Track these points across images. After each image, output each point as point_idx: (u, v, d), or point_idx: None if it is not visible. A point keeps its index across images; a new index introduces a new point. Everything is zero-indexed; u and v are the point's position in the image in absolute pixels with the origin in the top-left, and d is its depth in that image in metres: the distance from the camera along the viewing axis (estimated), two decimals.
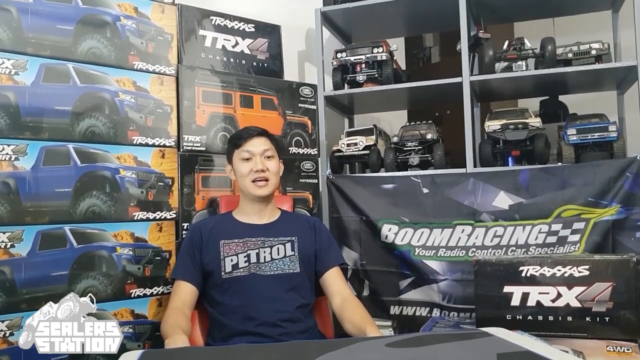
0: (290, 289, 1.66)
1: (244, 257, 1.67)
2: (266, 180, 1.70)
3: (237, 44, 2.29)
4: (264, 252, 1.68)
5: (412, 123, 2.50)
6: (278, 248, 1.70)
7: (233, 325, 1.60)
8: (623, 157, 2.04)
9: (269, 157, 1.73)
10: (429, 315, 2.18)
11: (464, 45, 2.29)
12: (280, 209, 1.85)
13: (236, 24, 2.29)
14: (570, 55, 2.21)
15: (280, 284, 1.65)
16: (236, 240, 1.69)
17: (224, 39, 2.25)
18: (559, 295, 1.60)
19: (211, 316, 1.68)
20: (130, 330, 1.82)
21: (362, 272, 2.31)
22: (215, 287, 1.66)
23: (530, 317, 1.63)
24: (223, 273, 1.64)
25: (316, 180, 2.43)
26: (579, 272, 1.59)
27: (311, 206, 2.39)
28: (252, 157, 1.71)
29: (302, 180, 2.38)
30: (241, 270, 1.65)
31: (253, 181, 1.70)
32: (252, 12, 2.40)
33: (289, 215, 1.86)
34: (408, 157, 2.38)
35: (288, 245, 1.71)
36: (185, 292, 1.64)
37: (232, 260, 1.66)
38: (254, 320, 1.58)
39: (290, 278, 1.67)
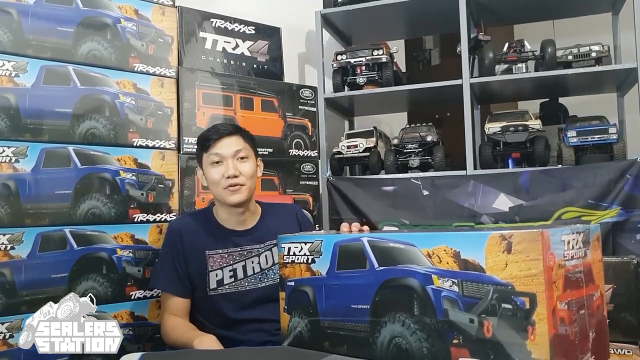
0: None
1: (229, 271, 1.53)
2: (241, 185, 1.50)
3: (237, 46, 2.29)
4: (252, 262, 1.55)
5: (412, 125, 2.51)
6: (266, 256, 1.57)
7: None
8: (623, 159, 2.04)
9: (242, 159, 1.52)
10: None
11: (464, 48, 2.30)
12: (259, 202, 1.67)
13: (236, 26, 2.29)
14: (570, 57, 2.21)
15: (271, 298, 1.45)
16: (220, 251, 1.54)
17: (224, 41, 2.25)
18: None
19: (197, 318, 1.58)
20: (130, 332, 1.82)
21: None
22: (200, 299, 1.55)
23: None
24: (208, 289, 1.52)
25: (316, 183, 2.43)
26: None
27: (311, 208, 2.38)
28: (222, 160, 1.50)
29: (302, 182, 2.38)
30: (226, 286, 1.53)
31: (225, 188, 1.49)
32: (253, 14, 2.40)
33: (270, 210, 1.67)
34: (408, 159, 2.38)
35: (275, 249, 1.55)
36: (177, 307, 1.53)
37: (217, 276, 1.52)
38: (240, 342, 1.46)
39: None
